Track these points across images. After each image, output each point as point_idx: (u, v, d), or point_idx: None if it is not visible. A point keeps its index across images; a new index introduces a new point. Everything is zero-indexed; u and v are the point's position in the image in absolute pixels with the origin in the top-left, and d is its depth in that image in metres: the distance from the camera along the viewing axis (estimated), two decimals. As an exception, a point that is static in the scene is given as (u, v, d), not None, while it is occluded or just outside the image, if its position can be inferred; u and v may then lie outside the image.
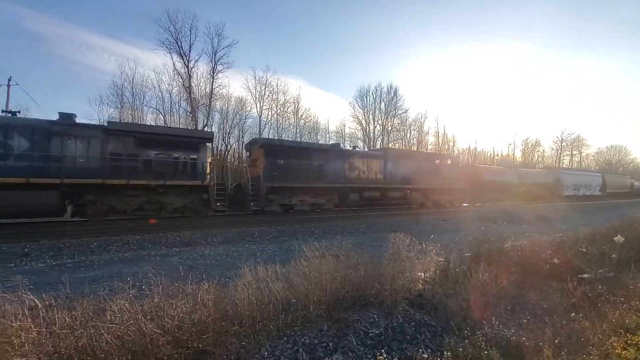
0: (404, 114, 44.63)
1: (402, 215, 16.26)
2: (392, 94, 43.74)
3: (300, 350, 3.64)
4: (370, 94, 43.56)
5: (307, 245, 5.03)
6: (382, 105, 43.45)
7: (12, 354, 2.30)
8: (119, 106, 29.36)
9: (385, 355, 3.53)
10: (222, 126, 31.68)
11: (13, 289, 3.28)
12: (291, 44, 67.60)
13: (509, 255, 6.17)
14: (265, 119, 35.35)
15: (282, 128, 36.42)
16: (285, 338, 3.70)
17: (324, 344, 3.82)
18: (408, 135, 46.09)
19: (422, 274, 5.52)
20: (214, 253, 7.68)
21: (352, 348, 3.90)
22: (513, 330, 4.04)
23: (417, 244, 5.90)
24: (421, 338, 4.35)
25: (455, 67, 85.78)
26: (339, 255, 4.90)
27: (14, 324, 2.47)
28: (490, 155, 55.95)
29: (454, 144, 53.11)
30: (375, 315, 4.44)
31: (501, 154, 57.15)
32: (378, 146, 42.54)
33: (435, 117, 65.36)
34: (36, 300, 2.63)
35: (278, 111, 36.80)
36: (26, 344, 2.38)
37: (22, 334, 2.40)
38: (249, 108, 34.76)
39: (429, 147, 48.77)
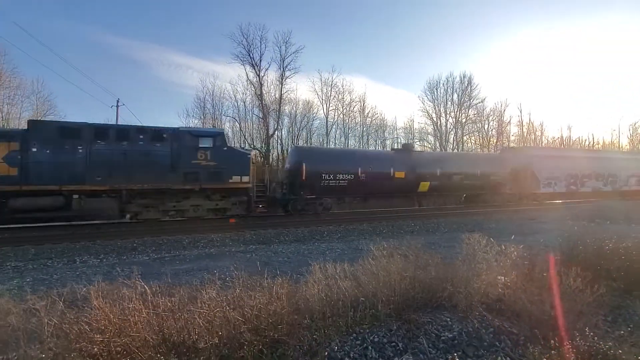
0: (480, 104, 41.14)
1: (480, 214, 15.18)
2: (466, 83, 40.57)
3: (370, 347, 3.71)
4: (441, 85, 40.99)
5: (375, 245, 5.06)
6: (455, 96, 40.63)
7: (129, 329, 2.84)
8: (202, 117, 32.65)
9: (459, 360, 3.41)
10: (291, 129, 33.18)
11: (125, 276, 3.98)
12: (356, 42, 67.37)
13: (609, 259, 5.38)
14: (331, 120, 35.93)
15: (349, 127, 36.66)
16: (355, 335, 3.80)
17: (393, 344, 3.83)
18: (486, 127, 42.39)
19: (502, 277, 5.14)
20: (286, 251, 8.14)
21: (423, 350, 3.83)
22: (610, 344, 3.56)
23: (496, 245, 5.52)
24: (500, 346, 4.07)
25: (541, 48, 76.21)
26: (407, 255, 4.83)
27: (129, 306, 3.03)
28: (589, 143, 48.52)
29: (541, 132, 47.20)
30: (448, 319, 4.28)
31: (603, 142, 49.13)
32: (450, 140, 39.93)
33: (518, 104, 59.05)
34: (146, 287, 3.18)
35: (344, 111, 37.06)
36: (139, 323, 2.91)
37: (136, 314, 2.95)
38: (315, 110, 35.69)
39: (511, 137, 43.98)
